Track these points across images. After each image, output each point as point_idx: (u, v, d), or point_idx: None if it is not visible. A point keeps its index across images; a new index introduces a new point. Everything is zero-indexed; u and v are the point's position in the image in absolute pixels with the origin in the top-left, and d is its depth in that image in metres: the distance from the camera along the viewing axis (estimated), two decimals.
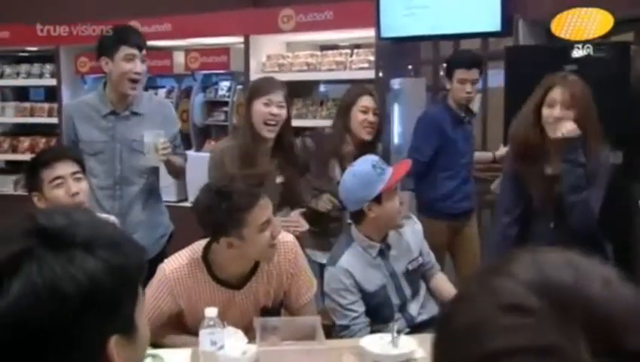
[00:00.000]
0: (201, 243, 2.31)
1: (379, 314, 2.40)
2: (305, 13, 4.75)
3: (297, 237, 2.53)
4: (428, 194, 3.61)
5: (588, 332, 0.52)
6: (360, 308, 2.40)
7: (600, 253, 2.35)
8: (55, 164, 2.36)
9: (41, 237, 0.81)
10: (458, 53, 4.07)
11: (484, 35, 4.39)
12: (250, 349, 2.06)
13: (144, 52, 3.03)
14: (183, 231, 2.92)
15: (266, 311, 2.34)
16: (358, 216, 2.46)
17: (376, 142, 3.15)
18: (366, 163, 2.45)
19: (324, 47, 5.26)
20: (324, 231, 3.10)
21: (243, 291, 2.30)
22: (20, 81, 6.11)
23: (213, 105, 5.45)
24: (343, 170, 2.79)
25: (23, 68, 6.07)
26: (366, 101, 3.10)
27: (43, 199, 2.35)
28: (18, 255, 0.79)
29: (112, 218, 2.62)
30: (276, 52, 5.13)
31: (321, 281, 2.64)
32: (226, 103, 5.32)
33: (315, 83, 5.42)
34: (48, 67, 5.94)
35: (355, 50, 4.87)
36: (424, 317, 2.51)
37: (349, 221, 2.59)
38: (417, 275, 2.57)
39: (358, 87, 3.32)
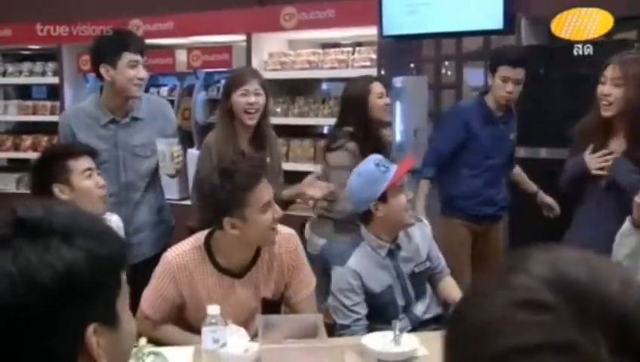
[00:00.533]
0: (205, 232, 2.34)
1: (384, 314, 2.40)
2: (307, 11, 4.75)
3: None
4: (449, 190, 3.49)
5: (604, 330, 0.52)
6: (363, 310, 2.40)
7: None
8: (83, 156, 2.42)
9: (17, 227, 0.82)
10: (504, 48, 3.77)
11: (486, 33, 4.39)
12: (253, 347, 2.07)
13: (145, 58, 3.02)
14: (185, 229, 2.94)
15: (266, 303, 2.35)
16: (367, 217, 2.46)
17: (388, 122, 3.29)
18: (369, 162, 2.45)
19: (326, 45, 5.26)
20: None
21: (243, 280, 2.32)
22: (23, 80, 6.11)
23: (215, 104, 5.42)
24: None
25: (26, 66, 6.08)
26: (379, 87, 3.22)
27: (68, 190, 2.36)
28: None
29: (115, 217, 2.63)
30: (278, 50, 5.13)
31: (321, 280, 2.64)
32: None
33: (317, 81, 5.42)
34: (51, 65, 5.94)
35: (357, 48, 4.87)
36: (428, 316, 2.51)
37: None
38: (423, 278, 2.56)
39: (362, 79, 3.37)
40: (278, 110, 4.95)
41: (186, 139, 4.66)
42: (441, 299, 2.63)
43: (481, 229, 3.50)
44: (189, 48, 5.37)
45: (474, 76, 5.30)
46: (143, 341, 2.08)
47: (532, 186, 3.67)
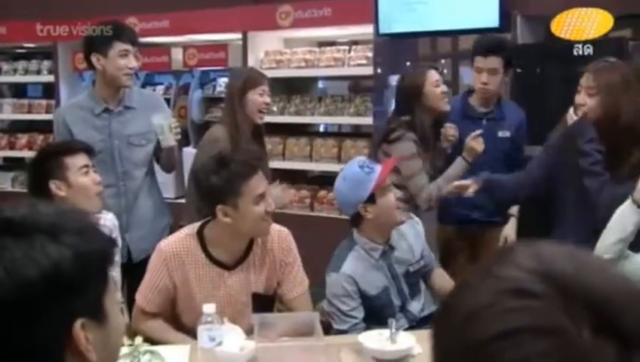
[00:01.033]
0: (199, 222, 2.37)
1: (380, 315, 2.39)
2: (303, 10, 4.74)
3: None
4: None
5: (588, 315, 0.53)
6: (360, 314, 2.39)
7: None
8: (80, 153, 2.44)
9: (3, 226, 0.85)
10: (477, 38, 3.51)
11: (482, 31, 4.38)
12: (249, 345, 2.06)
13: (136, 48, 3.04)
14: (179, 228, 2.93)
15: (257, 298, 2.36)
16: (357, 220, 2.44)
17: (448, 112, 3.12)
18: (353, 165, 2.44)
19: (322, 44, 5.25)
20: None
21: (234, 272, 2.33)
22: (18, 78, 6.10)
23: (211, 102, 5.45)
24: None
25: (21, 64, 6.06)
26: (435, 75, 3.09)
27: (65, 186, 2.38)
28: None
29: (110, 215, 2.63)
30: (274, 48, 5.13)
31: None
32: (224, 100, 5.31)
33: (313, 79, 5.42)
34: (46, 63, 5.93)
35: (354, 47, 4.87)
36: (425, 313, 2.51)
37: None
38: (417, 277, 2.56)
39: (418, 68, 3.32)
40: (275, 108, 4.94)
41: (183, 138, 4.64)
42: (435, 291, 2.62)
43: (474, 236, 3.29)
44: (185, 47, 5.37)
45: (470, 74, 5.30)
46: (138, 340, 2.08)
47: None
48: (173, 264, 2.29)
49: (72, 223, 0.89)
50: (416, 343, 2.11)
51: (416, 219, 2.67)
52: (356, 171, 2.39)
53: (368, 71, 4.65)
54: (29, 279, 0.81)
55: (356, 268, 2.41)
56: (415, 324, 2.45)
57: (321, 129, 5.58)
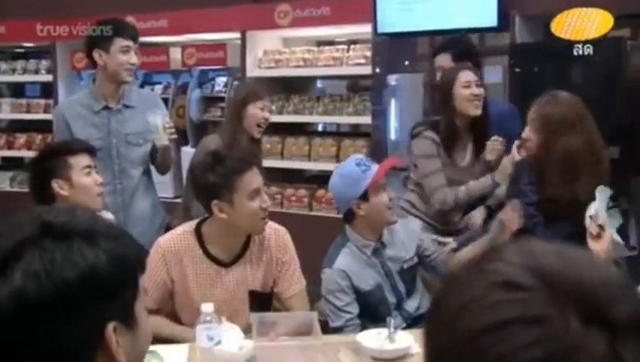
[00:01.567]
0: (197, 219, 2.39)
1: (375, 313, 2.40)
2: (302, 9, 4.75)
3: None
4: None
5: (576, 306, 0.55)
6: (354, 309, 2.40)
7: None
8: (83, 153, 2.45)
9: (44, 229, 0.88)
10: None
11: (481, 31, 4.39)
12: (247, 344, 2.06)
13: (137, 45, 3.06)
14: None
15: (255, 296, 2.37)
16: (349, 216, 2.46)
17: (486, 118, 2.92)
18: (350, 162, 2.46)
19: (321, 43, 5.26)
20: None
21: (231, 269, 2.34)
22: (16, 77, 6.10)
23: (209, 101, 5.45)
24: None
25: (19, 64, 6.06)
26: (467, 75, 2.91)
27: (68, 186, 2.38)
28: (21, 243, 0.86)
29: (109, 215, 2.63)
30: (273, 48, 5.13)
31: None
32: (222, 99, 5.32)
33: (312, 79, 5.42)
34: (44, 63, 5.93)
35: (352, 46, 4.87)
36: (421, 311, 2.52)
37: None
38: (412, 274, 2.57)
39: (454, 66, 3.12)
40: (273, 108, 4.93)
41: (181, 137, 4.65)
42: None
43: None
44: (184, 46, 5.37)
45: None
46: None
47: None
48: (171, 259, 2.30)
49: (107, 229, 0.93)
50: (415, 342, 2.11)
51: (411, 217, 2.67)
52: (352, 168, 2.41)
53: (367, 70, 4.65)
54: (67, 280, 0.84)
55: (349, 264, 2.42)
56: (410, 322, 2.46)
57: (320, 128, 5.58)
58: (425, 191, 2.93)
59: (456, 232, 2.98)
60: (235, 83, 5.20)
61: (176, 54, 5.37)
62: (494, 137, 2.86)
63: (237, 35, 5.05)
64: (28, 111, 6.05)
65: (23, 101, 6.14)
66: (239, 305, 2.34)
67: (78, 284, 0.85)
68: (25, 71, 6.04)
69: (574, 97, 2.45)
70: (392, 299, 2.48)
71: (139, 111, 3.06)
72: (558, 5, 3.81)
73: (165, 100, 5.27)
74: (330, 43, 5.21)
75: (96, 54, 2.99)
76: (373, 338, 2.15)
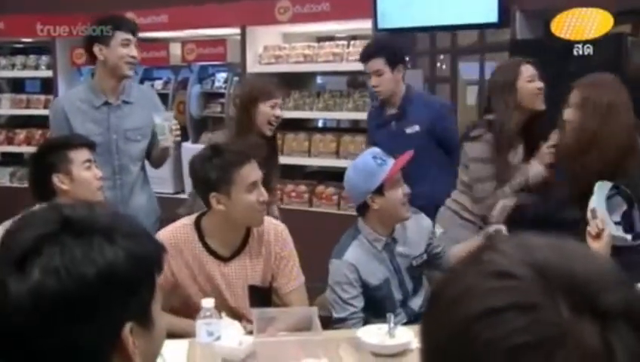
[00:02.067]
0: (197, 213, 2.41)
1: (381, 308, 2.40)
2: (302, 5, 4.74)
3: None
4: None
5: (568, 296, 0.55)
6: (359, 303, 2.40)
7: None
8: (83, 147, 2.47)
9: (64, 225, 0.87)
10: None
11: (481, 27, 4.39)
12: (247, 340, 2.07)
13: (136, 39, 3.07)
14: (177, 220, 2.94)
15: (255, 290, 2.38)
16: (363, 209, 2.46)
17: (544, 111, 2.81)
18: (367, 155, 2.45)
19: (321, 39, 5.25)
20: None
21: (230, 264, 2.36)
22: (16, 73, 6.09)
23: (209, 97, 5.45)
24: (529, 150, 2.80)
25: (19, 59, 6.05)
26: (529, 69, 2.82)
27: (68, 180, 2.39)
28: (42, 238, 0.86)
29: None
30: (273, 43, 5.12)
31: None
32: (222, 95, 5.32)
33: (312, 75, 5.42)
34: (44, 59, 5.92)
35: (352, 42, 4.87)
36: (423, 309, 2.51)
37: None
38: (421, 271, 2.57)
39: (512, 61, 3.05)
40: None
41: (181, 133, 4.64)
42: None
43: None
44: (184, 41, 5.36)
45: (469, 69, 5.31)
46: None
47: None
48: (171, 252, 2.30)
49: (126, 226, 0.92)
50: (415, 337, 2.11)
51: (422, 214, 2.65)
52: (369, 162, 2.41)
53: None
54: (86, 278, 0.84)
55: (359, 257, 2.43)
56: (413, 319, 2.46)
57: (320, 124, 5.58)
58: (474, 193, 2.85)
59: None
60: (236, 79, 5.20)
61: (176, 50, 5.36)
62: (550, 142, 2.77)
63: (237, 30, 5.05)
64: (28, 107, 6.04)
65: (23, 97, 6.13)
66: (239, 299, 2.34)
67: (97, 282, 0.84)
68: (25, 66, 6.03)
69: (617, 80, 2.48)
70: (398, 295, 2.48)
71: (138, 108, 3.07)
72: (559, 1, 3.80)
73: (165, 96, 5.29)
74: (331, 39, 5.20)
75: (96, 49, 2.99)
76: (374, 334, 2.15)
